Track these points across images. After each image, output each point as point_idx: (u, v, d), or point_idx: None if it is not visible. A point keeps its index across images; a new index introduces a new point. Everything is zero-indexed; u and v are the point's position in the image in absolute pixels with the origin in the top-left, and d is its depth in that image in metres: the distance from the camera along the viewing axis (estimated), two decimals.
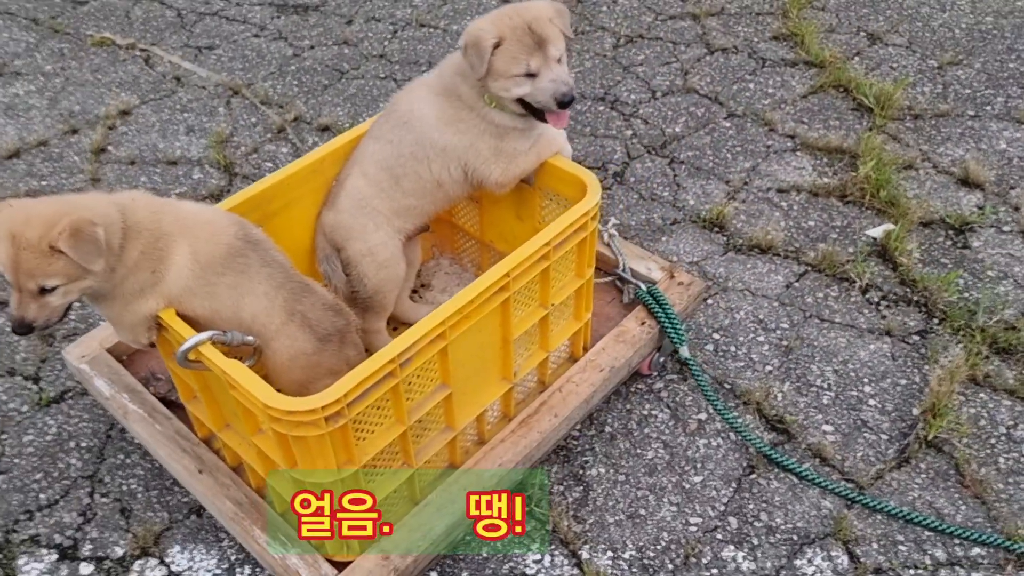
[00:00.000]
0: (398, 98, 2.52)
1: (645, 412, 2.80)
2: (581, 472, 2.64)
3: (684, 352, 2.71)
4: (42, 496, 2.60)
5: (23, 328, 1.95)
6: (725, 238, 3.41)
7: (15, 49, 4.57)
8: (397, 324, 2.81)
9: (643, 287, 2.75)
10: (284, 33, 4.70)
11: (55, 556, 2.46)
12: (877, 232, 3.37)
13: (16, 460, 2.69)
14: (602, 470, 2.64)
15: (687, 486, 2.60)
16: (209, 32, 4.72)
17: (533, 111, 2.38)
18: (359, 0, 4.96)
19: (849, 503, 2.54)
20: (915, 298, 3.14)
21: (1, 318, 3.12)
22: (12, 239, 1.85)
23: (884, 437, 2.72)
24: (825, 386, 2.86)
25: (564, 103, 2.31)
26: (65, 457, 2.70)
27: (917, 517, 2.46)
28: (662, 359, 2.86)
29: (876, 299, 3.14)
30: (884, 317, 3.08)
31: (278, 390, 1.88)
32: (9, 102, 4.19)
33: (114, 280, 1.99)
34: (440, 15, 4.81)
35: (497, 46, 2.26)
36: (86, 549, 2.47)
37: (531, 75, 2.30)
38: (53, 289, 1.91)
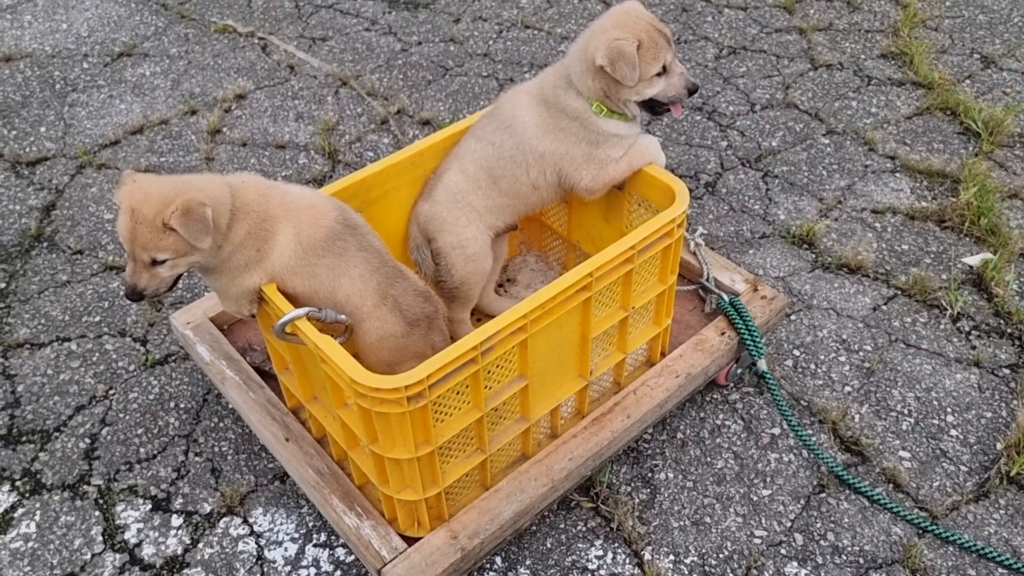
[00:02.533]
0: (501, 102, 2.61)
1: (718, 422, 2.81)
2: (650, 475, 2.68)
3: (762, 365, 2.71)
4: (142, 450, 2.79)
5: (134, 295, 2.11)
6: (814, 255, 3.39)
7: (145, 32, 4.87)
8: (481, 316, 2.90)
9: (725, 298, 2.77)
10: (394, 28, 4.87)
11: (149, 506, 2.64)
12: (974, 260, 3.29)
13: (121, 415, 2.89)
14: (671, 475, 2.67)
15: (755, 498, 2.61)
16: (323, 24, 4.92)
17: (651, 108, 2.47)
18: (468, 0, 5.09)
19: (921, 532, 2.51)
20: (1009, 330, 3.06)
21: (115, 283, 3.35)
22: (131, 213, 2.01)
23: (963, 469, 2.66)
24: (905, 412, 2.82)
25: (693, 91, 2.46)
26: (165, 416, 2.88)
27: (992, 553, 2.41)
28: (740, 371, 2.87)
29: (967, 328, 3.08)
30: (974, 347, 3.01)
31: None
32: (136, 82, 4.47)
33: (221, 256, 2.13)
34: (545, 18, 4.90)
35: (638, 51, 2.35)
36: (177, 503, 2.64)
37: (660, 73, 2.40)
38: (163, 262, 2.06)
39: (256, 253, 2.15)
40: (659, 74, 2.42)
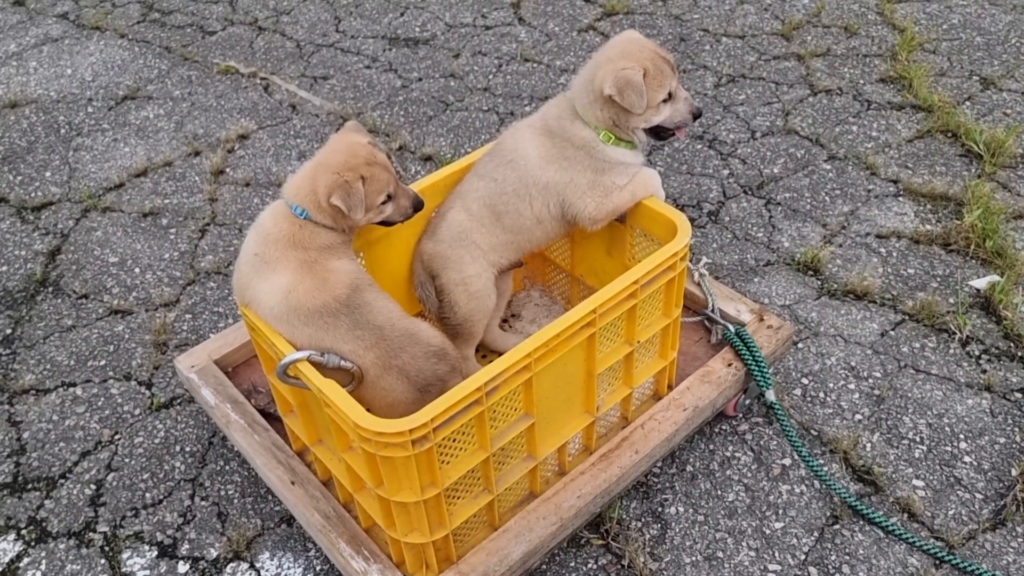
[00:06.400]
0: (503, 139, 2.62)
1: (728, 454, 2.78)
2: (660, 510, 2.64)
3: (770, 396, 2.69)
4: (148, 495, 2.77)
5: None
6: (819, 282, 3.37)
7: (148, 75, 4.92)
8: (487, 352, 2.88)
9: (731, 328, 2.75)
10: (394, 65, 4.90)
11: (155, 553, 2.61)
12: (981, 283, 3.27)
13: (127, 460, 2.87)
14: (681, 509, 2.64)
15: (767, 532, 2.57)
16: (325, 63, 4.96)
17: (657, 134, 2.51)
18: (467, 35, 5.13)
19: (937, 562, 2.46)
20: (1019, 353, 3.03)
21: (120, 326, 3.35)
22: None
23: (979, 496, 2.63)
24: (918, 439, 2.79)
25: (697, 115, 2.51)
26: (170, 460, 2.87)
27: None
28: (748, 401, 2.84)
29: (977, 352, 3.05)
30: (984, 372, 2.98)
31: None
32: (140, 124, 4.51)
33: None
34: (544, 51, 4.93)
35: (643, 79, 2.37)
36: (184, 549, 2.62)
37: (666, 99, 2.43)
38: None
39: (257, 266, 2.17)
40: (665, 100, 2.44)
